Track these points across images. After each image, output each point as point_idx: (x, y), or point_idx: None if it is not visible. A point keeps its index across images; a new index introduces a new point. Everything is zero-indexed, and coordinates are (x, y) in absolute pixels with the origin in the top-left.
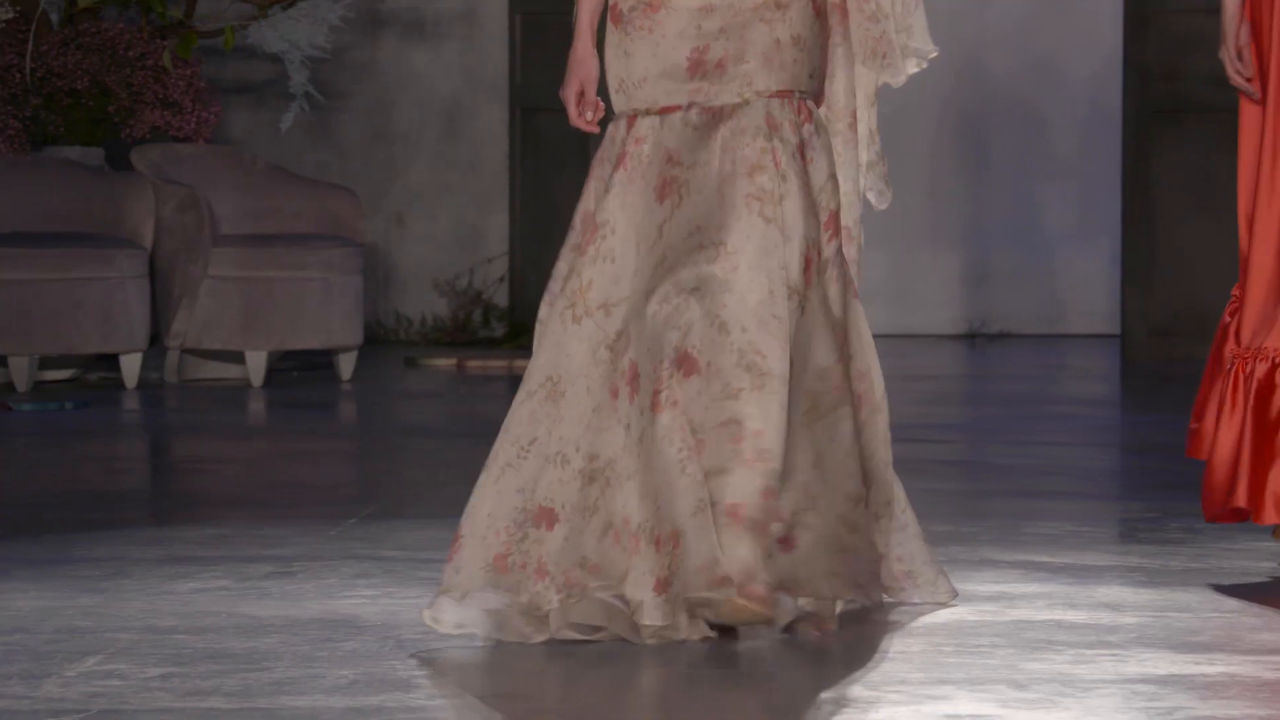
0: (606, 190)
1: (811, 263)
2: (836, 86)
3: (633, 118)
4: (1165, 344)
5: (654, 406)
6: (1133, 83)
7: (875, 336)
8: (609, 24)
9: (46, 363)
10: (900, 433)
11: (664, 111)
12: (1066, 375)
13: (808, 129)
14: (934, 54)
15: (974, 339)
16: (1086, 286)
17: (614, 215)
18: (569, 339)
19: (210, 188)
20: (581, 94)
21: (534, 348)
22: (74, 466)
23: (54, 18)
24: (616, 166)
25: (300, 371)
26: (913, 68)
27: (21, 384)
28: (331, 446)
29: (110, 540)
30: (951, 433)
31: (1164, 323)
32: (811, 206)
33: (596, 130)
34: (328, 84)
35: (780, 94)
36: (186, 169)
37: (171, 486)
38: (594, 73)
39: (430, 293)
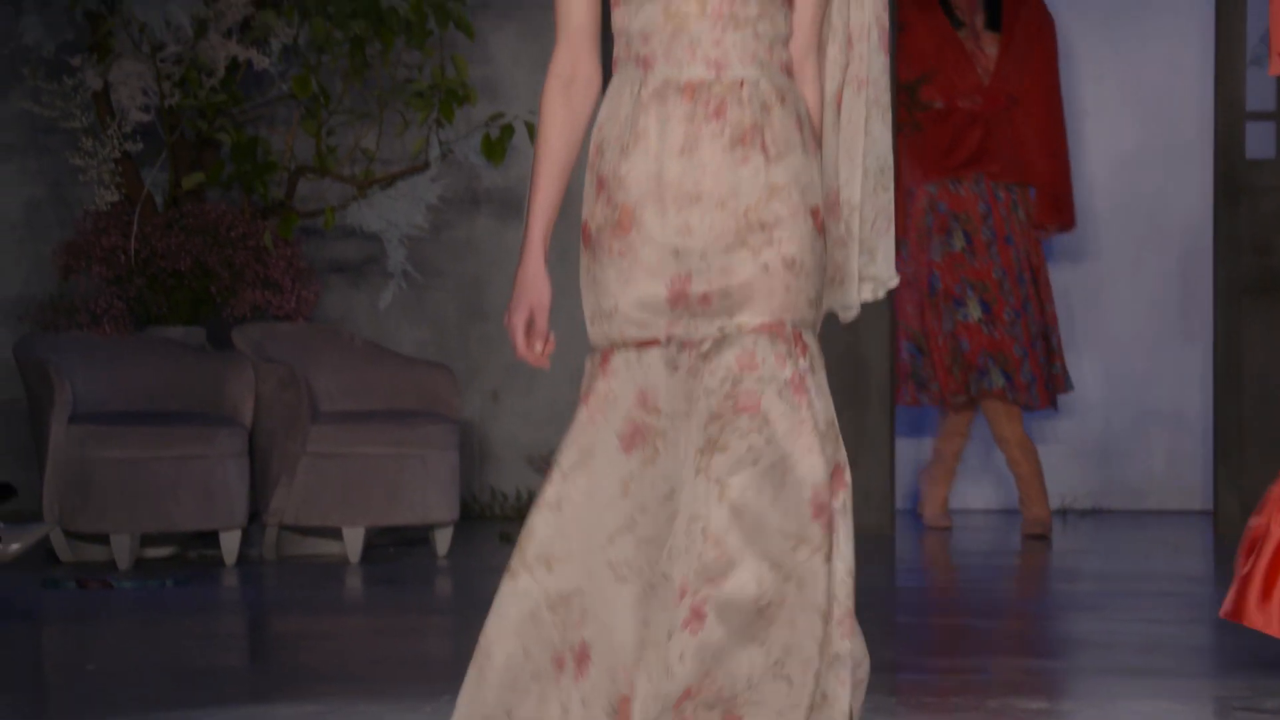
0: (569, 430)
1: (824, 512)
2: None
3: (607, 352)
4: None
5: None
6: (1223, 257)
7: (970, 511)
8: (581, 246)
9: (148, 540)
10: (995, 608)
11: (641, 346)
12: (1159, 551)
13: (803, 364)
14: (894, 282)
15: (1065, 514)
16: (1178, 462)
17: (568, 459)
18: (503, 598)
19: (309, 365)
20: (531, 322)
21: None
22: (174, 643)
23: (158, 200)
24: (581, 403)
25: (397, 547)
26: (867, 295)
27: (123, 561)
28: (428, 622)
29: (211, 717)
30: (1047, 609)
31: (1256, 499)
32: (814, 450)
33: (545, 365)
34: (425, 262)
35: (768, 326)
36: (286, 347)
37: (270, 663)
38: (545, 297)
39: (525, 468)
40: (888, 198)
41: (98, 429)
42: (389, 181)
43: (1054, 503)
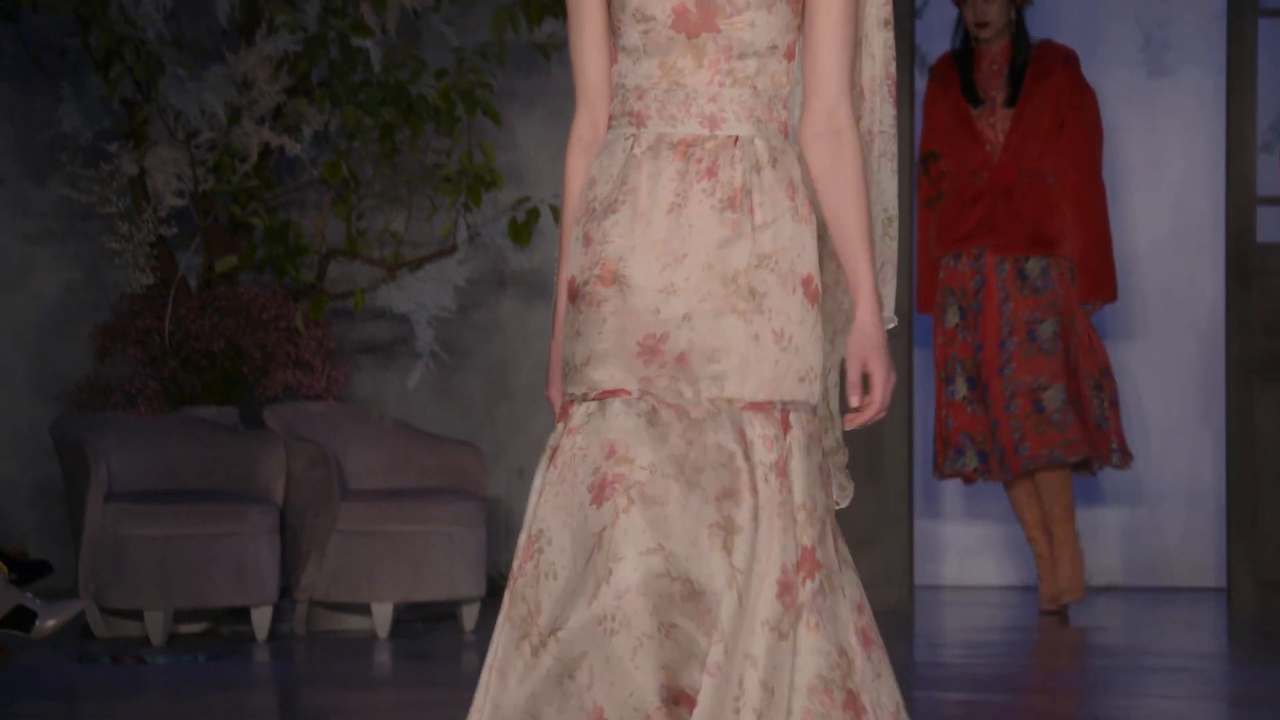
0: (540, 493)
1: (789, 592)
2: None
3: (568, 405)
4: (1272, 598)
5: None
6: (1236, 338)
7: (987, 588)
8: (568, 302)
9: (181, 616)
10: (1009, 684)
11: (603, 397)
12: (1174, 628)
13: (789, 444)
14: (892, 324)
15: None
16: (1193, 540)
17: (548, 522)
18: (528, 674)
19: (339, 444)
20: None
21: (482, 683)
22: (207, 718)
23: (192, 283)
24: (549, 463)
25: (425, 623)
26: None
27: (157, 637)
28: (455, 697)
29: None
30: (1063, 685)
31: (1270, 577)
32: (788, 531)
33: None
34: (453, 343)
35: (757, 405)
36: (317, 426)
37: None
38: None
39: None
40: (893, 246)
41: (132, 507)
42: (418, 264)
43: None
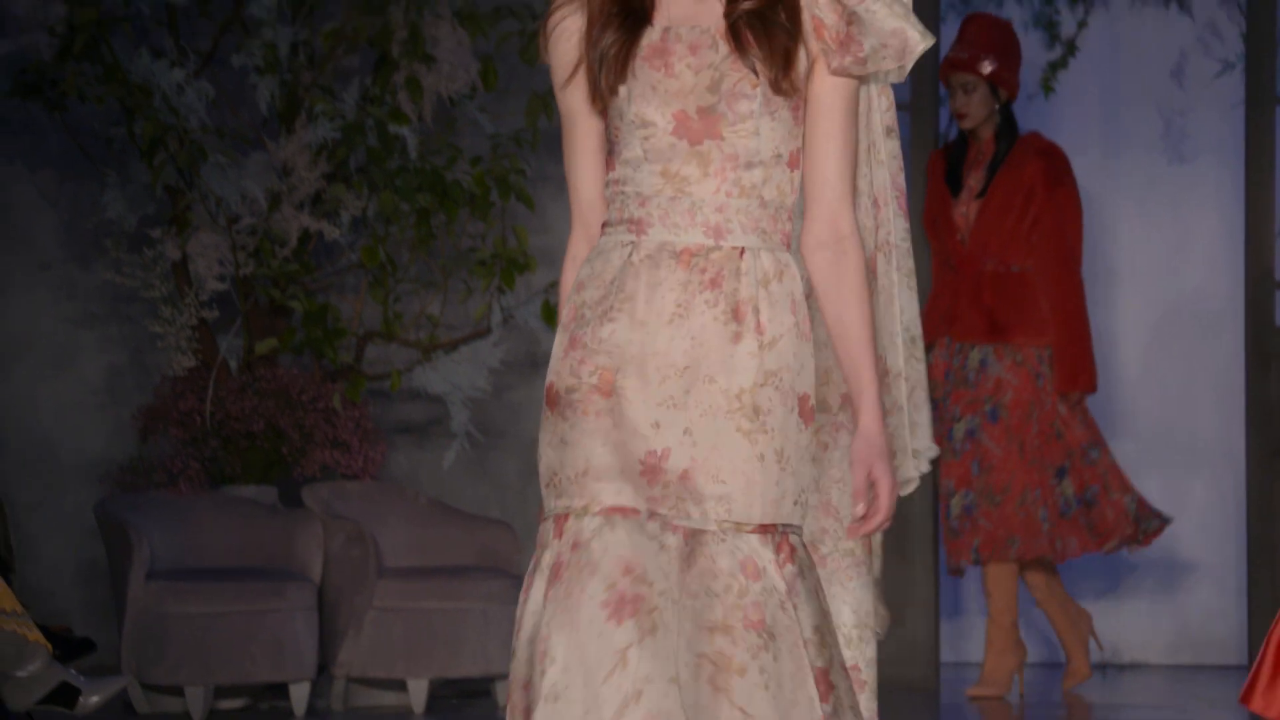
0: (541, 611)
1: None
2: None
3: (563, 518)
4: None
5: None
6: (1254, 421)
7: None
8: (544, 409)
9: (221, 692)
10: None
11: (610, 512)
12: (1195, 705)
13: (789, 570)
14: (935, 453)
15: (1105, 669)
16: (1213, 618)
17: (553, 641)
18: None
19: (376, 523)
20: None
21: None
22: None
23: (233, 365)
24: (551, 580)
25: (460, 699)
26: (912, 470)
27: (197, 713)
28: None
29: None
30: None
31: None
32: (801, 665)
33: None
34: (487, 423)
35: (764, 528)
36: (354, 505)
37: None
38: None
39: None
40: (921, 369)
41: (174, 585)
42: (453, 346)
43: (1094, 657)
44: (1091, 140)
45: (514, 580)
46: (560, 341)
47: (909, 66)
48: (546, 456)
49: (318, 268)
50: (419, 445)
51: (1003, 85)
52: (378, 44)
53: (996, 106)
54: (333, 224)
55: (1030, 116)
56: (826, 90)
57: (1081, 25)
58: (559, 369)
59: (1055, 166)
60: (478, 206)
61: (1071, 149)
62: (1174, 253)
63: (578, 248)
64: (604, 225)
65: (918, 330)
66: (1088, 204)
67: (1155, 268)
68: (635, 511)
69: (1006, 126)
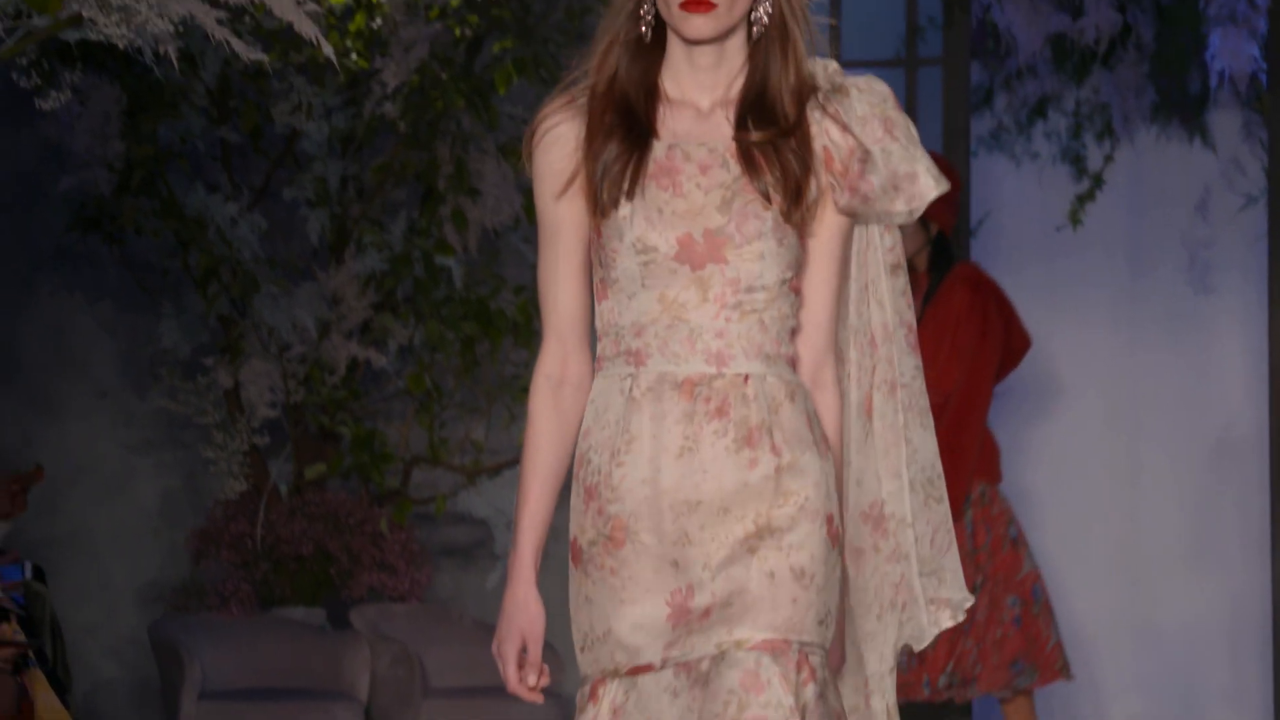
0: None
1: None
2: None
3: (598, 682)
4: None
5: None
6: None
7: None
8: (570, 564)
9: None
10: None
11: (634, 673)
12: None
13: (810, 690)
14: (970, 603)
15: None
16: None
17: None
18: None
19: (421, 644)
20: (524, 651)
21: None
22: None
23: (283, 489)
24: None
25: None
26: (947, 621)
27: None
28: None
29: None
30: None
31: None
32: None
33: (539, 699)
34: None
35: (772, 645)
36: (400, 626)
37: None
38: (538, 625)
39: None
40: (943, 510)
41: (225, 705)
42: (496, 471)
43: None
44: (1119, 271)
45: (557, 700)
46: (576, 492)
47: (919, 212)
48: (576, 617)
49: (366, 394)
50: (464, 567)
51: (934, 218)
52: (425, 178)
53: (928, 239)
54: (380, 352)
55: (1058, 248)
56: (830, 232)
57: (1108, 159)
58: (581, 522)
59: (980, 297)
60: (521, 334)
61: (1099, 280)
62: (1200, 381)
63: (550, 365)
64: (600, 360)
65: (937, 470)
66: (1116, 333)
67: (1182, 396)
68: (650, 667)
69: (939, 258)
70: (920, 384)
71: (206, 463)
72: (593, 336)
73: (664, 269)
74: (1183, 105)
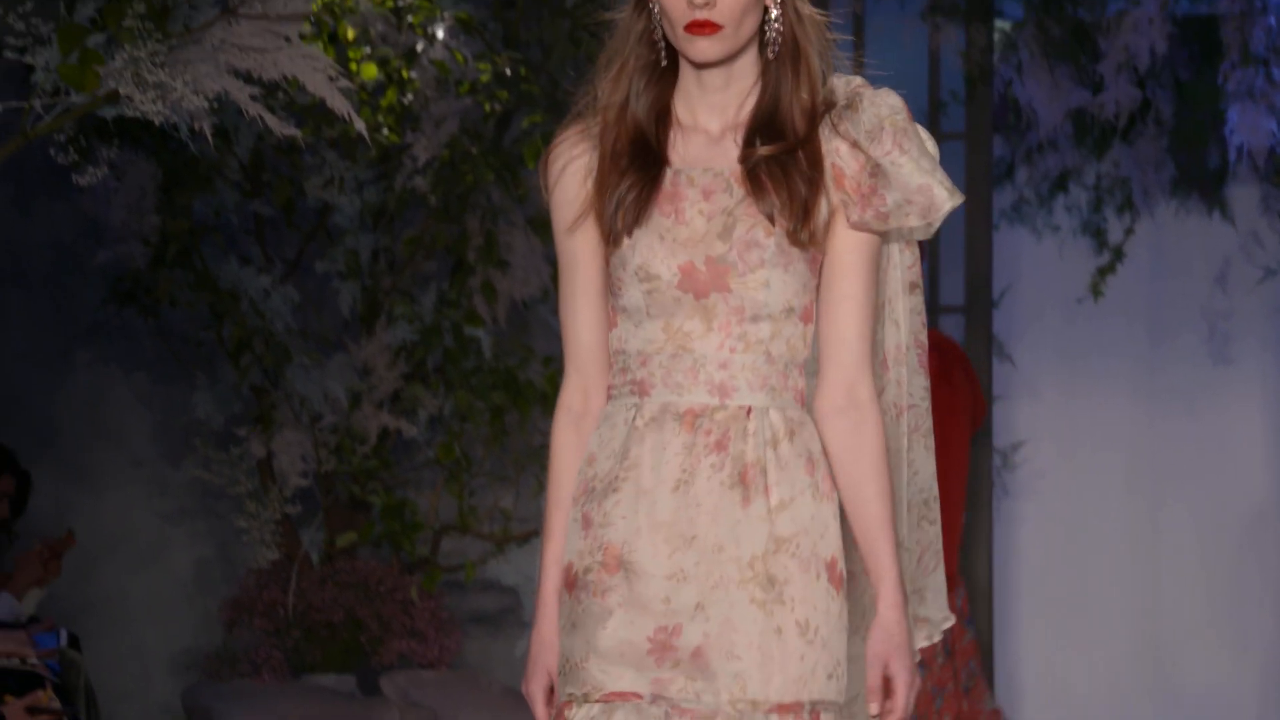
0: None
1: None
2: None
3: (566, 705)
4: None
5: None
6: None
7: None
8: (564, 591)
9: None
10: None
11: (609, 699)
12: None
13: None
14: (950, 623)
15: None
16: None
17: None
18: None
19: (451, 710)
20: (551, 690)
21: None
22: None
23: (314, 557)
24: None
25: None
26: (922, 640)
27: None
28: None
29: None
30: None
31: None
32: None
33: None
34: None
35: (784, 708)
36: (430, 693)
37: None
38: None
39: None
40: (934, 531)
41: None
42: (525, 539)
43: None
44: (1139, 342)
45: None
46: (574, 518)
47: (936, 225)
48: (561, 643)
49: (396, 464)
50: (492, 634)
51: None
52: (454, 251)
53: None
54: (411, 422)
55: (1079, 320)
56: (847, 246)
57: (1128, 232)
58: (578, 548)
59: (945, 361)
60: (549, 404)
61: (1120, 350)
62: (1220, 451)
63: (571, 398)
64: (610, 388)
65: (934, 492)
66: (1136, 403)
67: (1203, 466)
68: (637, 695)
69: None
70: (928, 404)
71: (239, 532)
72: None
73: (668, 297)
74: (1202, 179)
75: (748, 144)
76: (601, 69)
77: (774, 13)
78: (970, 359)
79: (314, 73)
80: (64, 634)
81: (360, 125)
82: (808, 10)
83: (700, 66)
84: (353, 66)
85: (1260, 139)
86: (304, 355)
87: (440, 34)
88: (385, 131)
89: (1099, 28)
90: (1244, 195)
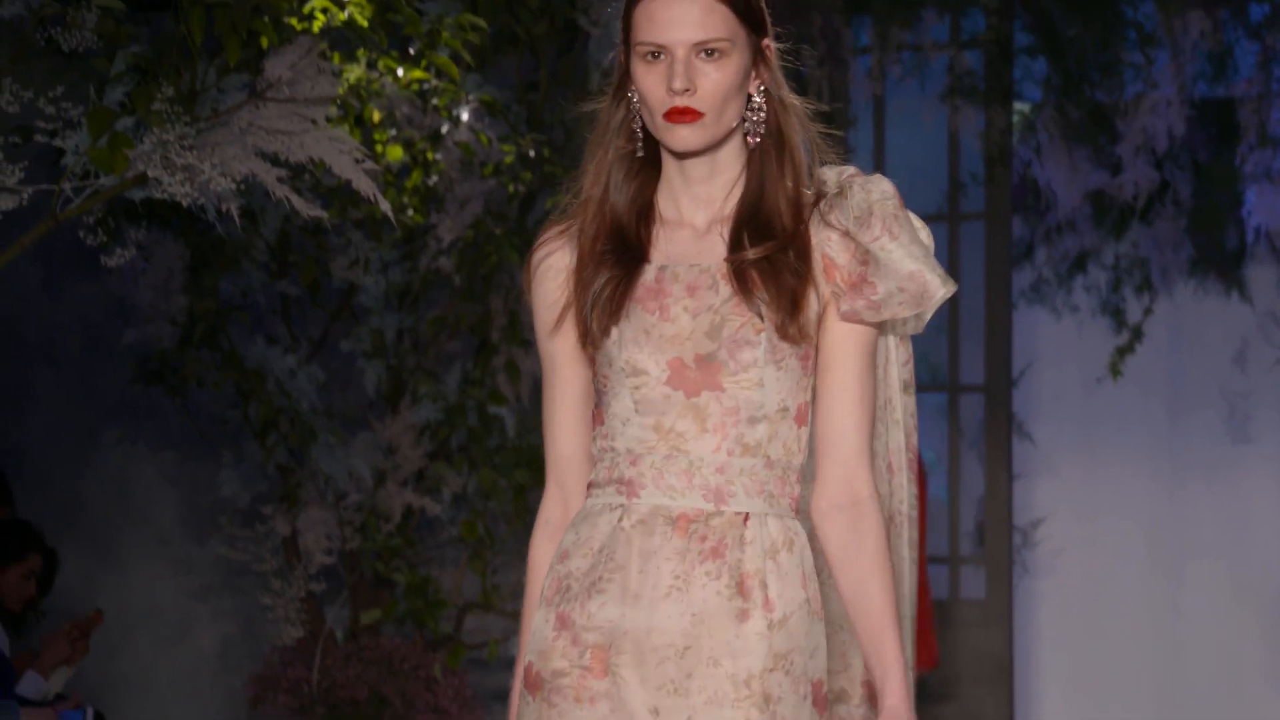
0: None
1: None
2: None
3: None
4: None
5: None
6: None
7: None
8: (522, 693)
9: None
10: None
11: None
12: None
13: None
14: None
15: None
16: None
17: None
18: None
19: None
20: None
21: None
22: None
23: (339, 634)
24: None
25: None
26: None
27: None
28: None
29: None
30: None
31: None
32: None
33: None
34: None
35: None
36: None
37: None
38: None
39: None
40: (910, 649)
41: None
42: None
43: None
44: (1158, 421)
45: None
46: (544, 618)
47: (928, 316)
48: None
49: (420, 541)
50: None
51: None
52: (478, 330)
53: None
54: (435, 500)
55: (1099, 400)
56: (840, 337)
57: (1147, 313)
58: (545, 649)
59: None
60: None
61: (1139, 429)
62: (1239, 529)
63: (551, 510)
64: (590, 485)
65: (910, 608)
66: (1156, 480)
67: (1222, 544)
68: None
69: None
70: (915, 515)
71: (264, 609)
72: None
73: (657, 394)
74: (1220, 260)
75: (735, 241)
76: (585, 163)
77: (756, 100)
78: (990, 437)
79: (340, 155)
80: (90, 711)
81: (385, 206)
82: (791, 98)
83: (681, 156)
84: (378, 148)
85: (1277, 220)
86: (329, 434)
87: (465, 116)
88: (410, 212)
89: (1117, 110)
90: (1262, 275)
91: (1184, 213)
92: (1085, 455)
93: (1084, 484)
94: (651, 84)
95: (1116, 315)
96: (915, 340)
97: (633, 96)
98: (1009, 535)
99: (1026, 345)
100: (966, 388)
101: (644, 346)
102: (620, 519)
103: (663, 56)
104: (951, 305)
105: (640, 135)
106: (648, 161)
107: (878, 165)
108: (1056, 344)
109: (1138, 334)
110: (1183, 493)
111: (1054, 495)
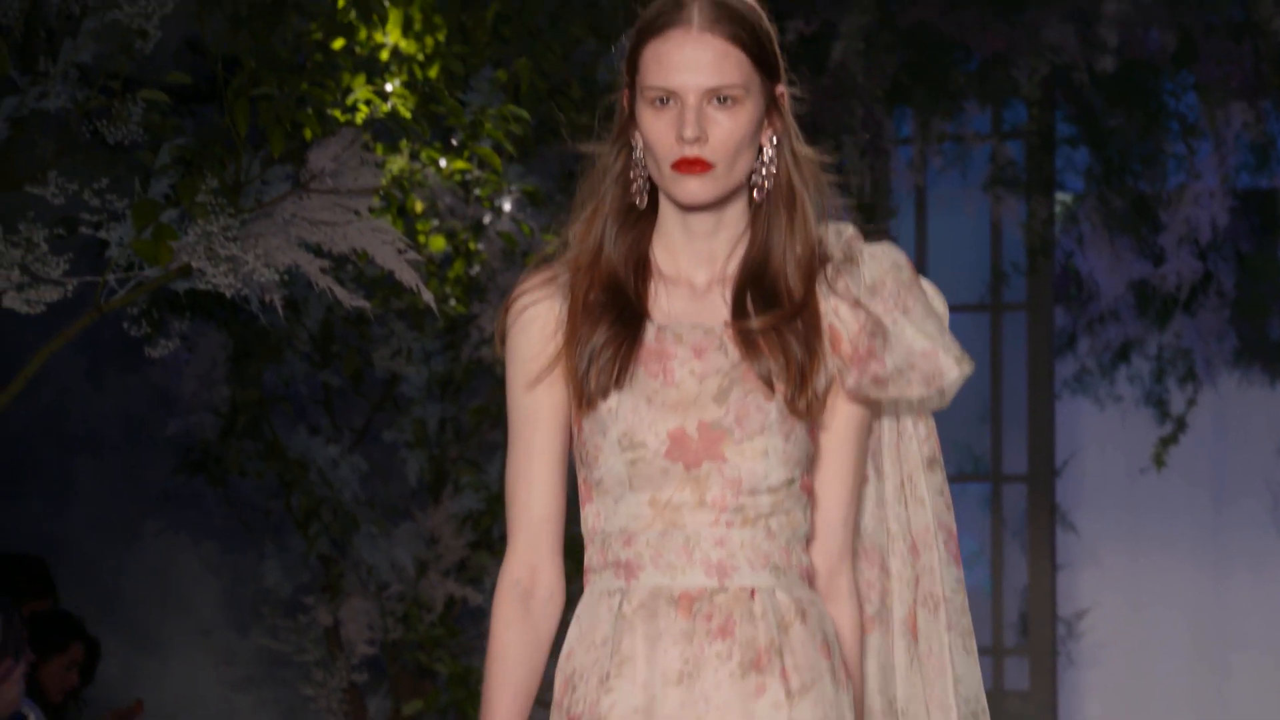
0: None
1: None
2: None
3: None
4: None
5: None
6: None
7: None
8: None
9: None
10: None
11: None
12: None
13: None
14: None
15: None
16: None
17: None
18: None
19: None
20: None
21: None
22: None
23: None
24: None
25: None
26: None
27: None
28: None
29: None
30: None
31: None
32: None
33: None
34: None
35: None
36: None
37: None
38: None
39: None
40: None
41: None
42: None
43: None
44: (1202, 511)
45: None
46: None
47: (950, 395)
48: None
49: (462, 631)
50: None
51: None
52: None
53: None
54: (477, 590)
55: (1142, 490)
56: (840, 420)
57: (1191, 403)
58: None
59: None
60: None
61: (1184, 522)
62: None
63: (517, 570)
64: (586, 571)
65: (982, 703)
66: (1201, 570)
67: (1268, 635)
68: None
69: None
70: (963, 599)
71: (306, 700)
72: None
73: (654, 468)
74: (1264, 350)
75: (738, 304)
76: (575, 211)
77: (768, 152)
78: (1033, 528)
79: (383, 245)
80: None
81: (428, 296)
82: (804, 150)
83: (687, 209)
84: (421, 239)
85: None
86: (371, 524)
87: (507, 206)
88: (453, 302)
89: (1160, 200)
90: None
91: (1227, 303)
92: (1129, 545)
93: (1128, 574)
94: (660, 131)
95: (1160, 406)
96: (958, 431)
97: (635, 144)
98: (1053, 626)
99: (1070, 435)
100: (1010, 478)
101: (644, 416)
102: (620, 604)
103: (672, 102)
104: (994, 395)
105: (638, 185)
106: (645, 211)
107: (919, 255)
108: (1100, 434)
109: (1181, 425)
110: (1228, 583)
111: (1098, 586)
